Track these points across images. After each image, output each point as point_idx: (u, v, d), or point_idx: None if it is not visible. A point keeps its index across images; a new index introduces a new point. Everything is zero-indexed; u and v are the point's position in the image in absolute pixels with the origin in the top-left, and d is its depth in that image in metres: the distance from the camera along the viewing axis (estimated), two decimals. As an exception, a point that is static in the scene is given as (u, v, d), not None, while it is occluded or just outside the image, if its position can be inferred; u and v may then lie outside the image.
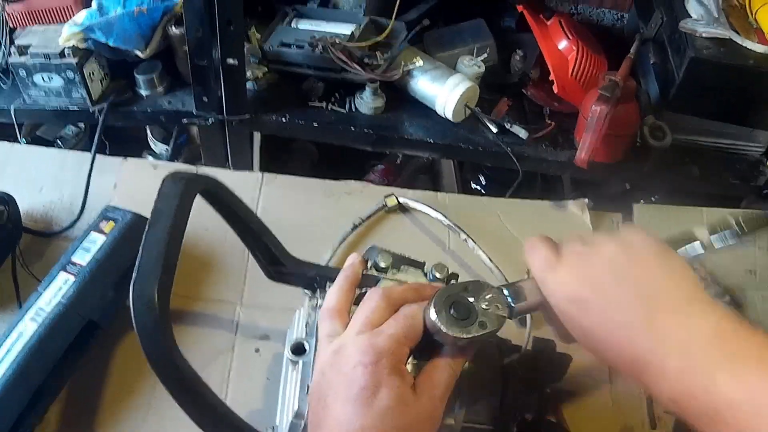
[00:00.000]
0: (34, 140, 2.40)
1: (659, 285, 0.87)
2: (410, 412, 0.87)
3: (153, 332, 0.88)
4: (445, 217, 1.70)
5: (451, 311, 0.91)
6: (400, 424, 0.85)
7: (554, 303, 0.92)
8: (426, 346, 0.93)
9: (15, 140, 2.07)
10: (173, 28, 1.93)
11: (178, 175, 1.04)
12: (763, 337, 0.78)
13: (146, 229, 0.96)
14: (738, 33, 1.83)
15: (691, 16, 1.90)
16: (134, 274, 0.91)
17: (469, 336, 0.90)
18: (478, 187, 2.55)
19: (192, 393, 0.92)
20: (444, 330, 0.89)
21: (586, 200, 1.82)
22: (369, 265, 1.12)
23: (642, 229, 0.96)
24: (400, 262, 1.13)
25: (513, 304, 0.95)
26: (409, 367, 0.93)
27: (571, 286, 0.91)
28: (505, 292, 0.97)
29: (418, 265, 1.15)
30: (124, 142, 2.41)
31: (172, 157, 2.42)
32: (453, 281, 1.11)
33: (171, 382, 0.90)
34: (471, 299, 0.93)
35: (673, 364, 0.79)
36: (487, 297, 0.94)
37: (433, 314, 0.91)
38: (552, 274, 0.93)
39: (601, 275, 0.89)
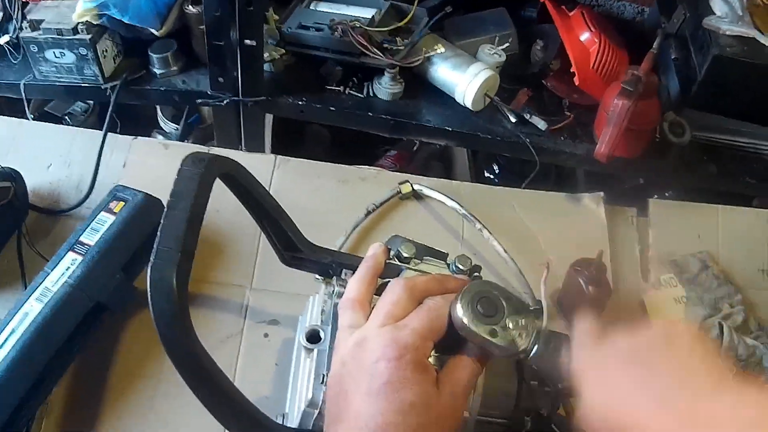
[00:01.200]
0: (42, 116, 2.39)
1: (699, 364, 0.81)
2: (433, 409, 0.86)
3: (171, 319, 0.86)
4: (461, 206, 1.68)
5: (478, 307, 0.91)
6: (423, 421, 0.84)
7: (579, 371, 0.89)
8: (450, 341, 0.93)
9: (23, 116, 2.04)
10: (190, 6, 1.90)
11: (198, 156, 1.02)
12: None
13: (165, 212, 0.93)
14: (762, 32, 1.81)
15: (715, 13, 1.88)
16: (152, 258, 0.88)
17: (483, 336, 0.90)
18: (491, 176, 2.54)
19: (209, 382, 0.89)
20: (467, 324, 0.89)
21: (602, 194, 1.81)
22: (391, 254, 1.10)
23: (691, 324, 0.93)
24: (423, 252, 1.12)
25: (534, 350, 0.93)
26: (431, 360, 0.92)
27: (603, 357, 0.87)
28: (540, 327, 0.94)
29: (442, 257, 1.14)
30: (133, 120, 2.41)
31: (182, 137, 2.42)
32: (476, 273, 1.10)
33: (188, 371, 0.88)
34: (504, 303, 0.92)
35: None
36: (520, 320, 0.93)
37: (459, 308, 0.90)
38: (590, 345, 0.90)
39: (638, 347, 0.85)
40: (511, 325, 0.91)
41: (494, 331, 0.90)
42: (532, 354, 0.92)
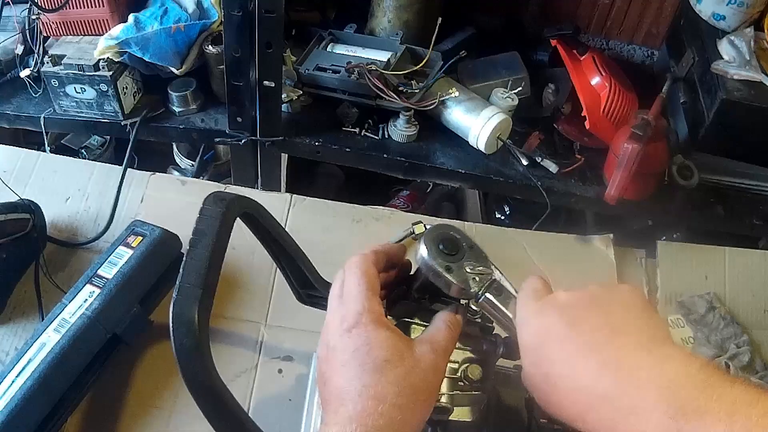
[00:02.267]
0: (59, 148, 2.40)
1: (632, 321, 0.83)
2: (408, 361, 0.88)
3: (192, 354, 0.88)
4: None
5: (440, 246, 0.96)
6: (401, 372, 0.86)
7: (521, 325, 0.90)
8: (414, 306, 0.99)
9: (41, 147, 2.06)
10: (210, 46, 1.92)
11: (219, 196, 1.04)
12: (759, 388, 0.71)
13: (187, 250, 0.96)
14: (768, 76, 1.83)
15: (723, 58, 1.90)
16: (174, 294, 0.91)
17: (438, 269, 0.94)
18: (502, 217, 2.54)
19: (228, 416, 0.91)
20: (425, 257, 0.94)
21: (611, 236, 1.82)
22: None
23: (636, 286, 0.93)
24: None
25: (484, 293, 0.96)
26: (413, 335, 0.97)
27: (542, 311, 0.88)
28: (495, 278, 0.98)
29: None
30: (149, 155, 2.42)
31: (198, 174, 2.42)
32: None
33: (208, 405, 0.89)
34: (465, 248, 0.98)
35: (649, 403, 0.73)
36: (477, 268, 0.97)
37: (422, 245, 0.95)
38: (533, 301, 0.91)
39: (575, 302, 0.87)
40: (468, 269, 0.96)
41: (449, 268, 0.94)
42: (480, 299, 0.96)
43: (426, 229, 1.72)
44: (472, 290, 0.95)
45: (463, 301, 1.00)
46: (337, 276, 1.00)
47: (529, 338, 0.88)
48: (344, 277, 0.97)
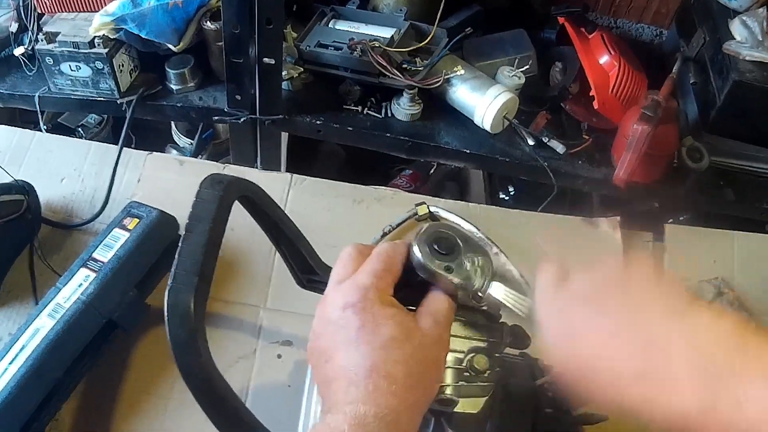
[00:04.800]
0: (55, 127, 2.38)
1: (652, 293, 0.83)
2: (415, 337, 0.87)
3: (187, 343, 0.85)
4: (478, 229, 1.67)
5: (435, 246, 0.94)
6: (408, 351, 0.85)
7: (544, 321, 0.90)
8: (415, 292, 0.95)
9: (36, 127, 2.04)
10: (208, 22, 1.89)
11: (216, 179, 1.01)
12: None
13: (183, 235, 0.92)
14: (782, 58, 1.80)
15: (735, 38, 1.87)
16: (169, 283, 0.88)
17: (439, 272, 0.93)
18: (506, 198, 2.52)
19: (223, 406, 0.88)
20: (423, 261, 0.93)
21: (618, 218, 1.79)
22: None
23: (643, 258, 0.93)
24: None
25: (490, 283, 0.96)
26: None
27: (562, 305, 0.89)
28: (495, 265, 0.98)
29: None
30: (147, 134, 2.41)
31: (196, 153, 2.41)
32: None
33: (203, 395, 0.87)
34: (460, 243, 0.96)
35: (684, 374, 0.73)
36: (477, 259, 0.96)
37: (416, 248, 0.94)
38: (551, 295, 0.91)
39: (593, 289, 0.87)
40: (467, 264, 0.94)
41: (450, 268, 0.93)
42: (488, 289, 0.95)
43: (428, 210, 1.69)
44: (476, 284, 0.94)
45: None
46: (348, 249, 0.99)
47: (557, 337, 0.88)
48: (353, 255, 0.96)
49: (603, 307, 0.83)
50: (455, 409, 0.94)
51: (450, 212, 1.71)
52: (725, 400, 0.68)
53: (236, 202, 1.05)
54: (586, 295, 0.86)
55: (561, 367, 0.89)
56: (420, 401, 0.85)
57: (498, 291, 0.95)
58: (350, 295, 0.88)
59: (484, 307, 1.02)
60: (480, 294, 0.95)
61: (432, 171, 2.63)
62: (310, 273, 1.23)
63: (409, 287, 0.95)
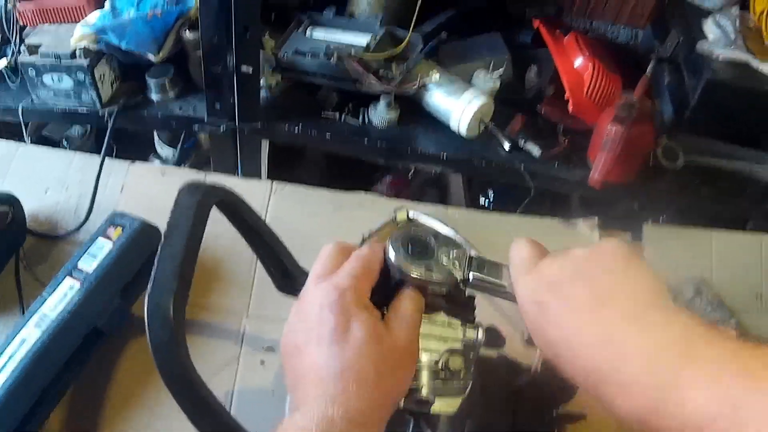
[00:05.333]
0: (40, 139, 2.39)
1: (617, 288, 0.81)
2: (386, 343, 0.88)
3: (168, 348, 0.87)
4: (456, 232, 1.68)
5: (409, 248, 0.95)
6: (378, 357, 0.86)
7: (520, 304, 0.89)
8: (388, 291, 0.96)
9: (21, 138, 2.05)
10: (187, 32, 1.90)
11: (194, 185, 1.03)
12: (737, 343, 0.70)
13: (162, 242, 0.94)
14: (754, 56, 1.82)
15: (707, 38, 1.88)
16: (149, 288, 0.89)
17: (415, 275, 0.93)
18: (486, 202, 2.53)
19: (205, 411, 0.89)
20: (402, 266, 0.93)
21: (596, 219, 1.81)
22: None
23: (622, 239, 0.93)
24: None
25: (470, 273, 0.96)
26: None
27: (534, 288, 0.87)
28: (472, 255, 0.98)
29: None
30: (130, 143, 2.41)
31: (179, 161, 2.41)
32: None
33: (184, 400, 0.88)
34: (433, 241, 0.97)
35: (635, 376, 0.73)
36: (452, 253, 0.97)
37: (392, 253, 0.94)
38: (523, 275, 0.89)
39: (561, 276, 0.85)
40: (444, 260, 0.95)
41: (429, 267, 0.94)
42: (471, 280, 0.96)
43: (408, 215, 1.71)
44: (459, 279, 0.95)
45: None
46: (329, 247, 1.01)
47: (531, 321, 0.87)
48: (333, 254, 0.98)
49: (569, 297, 0.82)
50: (432, 410, 0.94)
51: (429, 216, 1.73)
52: (670, 406, 0.69)
53: (215, 208, 1.07)
54: (554, 282, 0.85)
55: (542, 351, 0.88)
56: (388, 402, 0.86)
57: (480, 279, 0.96)
58: (328, 295, 0.89)
59: (468, 295, 1.03)
60: (462, 285, 0.97)
61: (410, 175, 2.64)
62: (289, 277, 1.25)
63: (387, 289, 0.97)
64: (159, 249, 0.93)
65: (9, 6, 1.98)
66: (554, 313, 0.83)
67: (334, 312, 0.87)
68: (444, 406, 0.96)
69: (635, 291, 0.81)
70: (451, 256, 0.96)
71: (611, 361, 0.75)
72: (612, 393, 0.75)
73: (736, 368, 0.67)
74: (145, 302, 0.88)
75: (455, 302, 0.99)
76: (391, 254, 0.94)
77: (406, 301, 0.94)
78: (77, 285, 1.38)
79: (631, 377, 0.73)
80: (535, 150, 1.99)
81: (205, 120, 1.97)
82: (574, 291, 0.83)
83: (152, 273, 0.91)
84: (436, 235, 0.99)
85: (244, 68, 1.79)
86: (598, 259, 0.85)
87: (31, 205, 1.65)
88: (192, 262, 0.95)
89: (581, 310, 0.81)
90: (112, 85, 1.99)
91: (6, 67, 1.97)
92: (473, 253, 0.99)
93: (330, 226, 1.73)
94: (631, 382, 0.73)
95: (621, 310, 0.79)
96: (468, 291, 1.00)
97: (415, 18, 1.96)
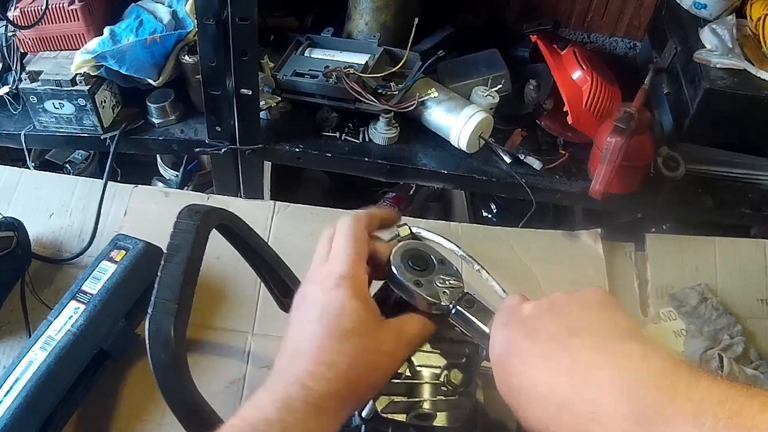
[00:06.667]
0: (43, 164, 2.40)
1: (589, 321, 0.81)
2: (370, 340, 0.89)
3: (169, 369, 0.88)
4: (459, 247, 1.69)
5: (409, 261, 0.97)
6: (357, 350, 0.87)
7: (491, 347, 0.89)
8: (388, 294, 0.99)
9: (24, 164, 2.06)
10: (186, 56, 1.91)
11: (194, 208, 1.04)
12: (722, 382, 0.68)
13: (162, 264, 0.95)
14: (752, 64, 1.83)
15: (705, 47, 1.89)
16: (150, 311, 0.90)
17: (407, 284, 0.95)
18: (489, 216, 2.54)
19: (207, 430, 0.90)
20: (395, 273, 0.96)
21: (599, 230, 1.82)
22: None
23: (601, 287, 0.92)
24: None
25: (455, 306, 0.96)
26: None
27: (507, 327, 0.88)
28: (467, 292, 0.99)
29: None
30: (133, 167, 2.42)
31: (182, 184, 2.42)
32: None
33: (187, 419, 0.89)
34: (435, 263, 1.00)
35: (607, 408, 0.71)
36: (448, 280, 0.98)
37: (392, 261, 0.97)
38: (503, 319, 0.91)
39: (535, 312, 0.87)
40: (438, 283, 0.96)
41: (419, 282, 0.95)
42: (452, 312, 0.96)
43: (410, 232, 1.71)
44: (443, 303, 0.96)
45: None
46: (326, 233, 1.01)
47: (494, 354, 0.88)
48: (335, 236, 0.98)
49: (538, 331, 0.83)
50: (435, 423, 0.95)
51: (431, 232, 1.73)
52: None
53: (216, 230, 1.08)
54: (528, 317, 0.86)
55: (499, 386, 0.86)
56: (352, 397, 0.86)
57: (462, 316, 0.96)
58: (326, 280, 0.91)
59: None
60: (445, 312, 0.97)
61: (411, 192, 2.65)
62: (291, 297, 1.25)
63: (388, 290, 0.98)
64: (159, 272, 0.94)
65: (9, 34, 1.99)
66: (520, 346, 0.83)
67: (327, 297, 0.89)
68: (447, 419, 0.96)
69: (609, 324, 0.81)
70: (445, 283, 0.97)
71: (579, 391, 0.74)
72: (578, 426, 0.73)
73: (730, 408, 0.65)
74: (146, 325, 0.89)
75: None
76: (393, 263, 0.97)
77: (413, 321, 0.95)
78: (82, 308, 1.39)
79: (603, 408, 0.71)
80: (536, 163, 2.00)
81: (206, 142, 1.97)
82: (544, 323, 0.84)
83: (152, 296, 0.92)
84: (443, 260, 1.00)
85: (244, 91, 1.79)
86: (576, 298, 0.86)
87: (35, 230, 1.67)
88: (192, 285, 0.96)
89: (549, 340, 0.81)
90: (113, 110, 1.99)
91: (7, 93, 1.98)
92: (466, 288, 0.99)
93: (333, 245, 1.73)
94: (602, 414, 0.71)
95: (591, 340, 0.78)
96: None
97: (412, 37, 1.96)
